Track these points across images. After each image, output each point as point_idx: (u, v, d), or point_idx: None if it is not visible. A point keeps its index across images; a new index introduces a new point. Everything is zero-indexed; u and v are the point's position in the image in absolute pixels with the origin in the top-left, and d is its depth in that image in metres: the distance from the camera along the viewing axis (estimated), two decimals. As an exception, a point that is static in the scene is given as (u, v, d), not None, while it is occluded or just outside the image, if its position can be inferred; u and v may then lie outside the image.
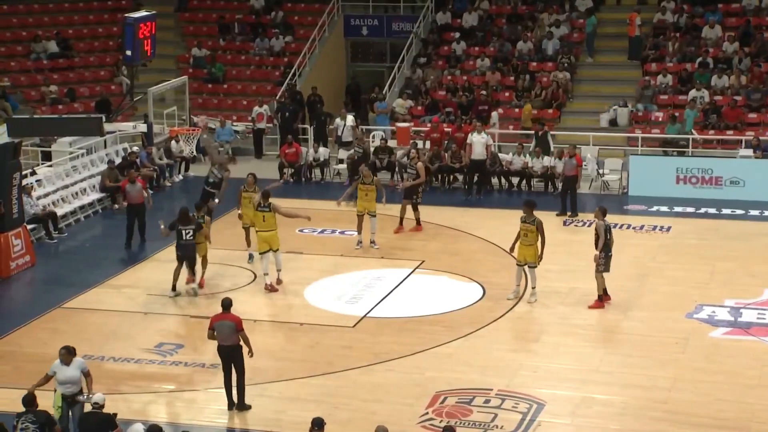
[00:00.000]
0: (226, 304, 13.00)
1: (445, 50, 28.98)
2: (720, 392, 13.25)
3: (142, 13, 21.71)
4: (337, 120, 25.81)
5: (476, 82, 27.38)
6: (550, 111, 26.30)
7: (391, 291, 16.96)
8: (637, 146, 24.21)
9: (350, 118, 25.59)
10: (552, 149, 23.38)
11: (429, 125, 25.26)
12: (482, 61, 28.00)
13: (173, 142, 24.37)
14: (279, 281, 17.21)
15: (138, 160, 22.99)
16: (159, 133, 23.33)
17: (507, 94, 27.20)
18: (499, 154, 23.69)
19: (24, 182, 20.13)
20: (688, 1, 28.28)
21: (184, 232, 16.85)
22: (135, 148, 23.88)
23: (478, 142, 22.61)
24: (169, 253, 19.22)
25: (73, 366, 11.83)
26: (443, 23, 29.80)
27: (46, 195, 20.94)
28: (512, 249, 16.60)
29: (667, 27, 27.86)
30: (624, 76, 27.57)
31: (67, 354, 11.82)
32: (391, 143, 24.91)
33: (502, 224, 20.46)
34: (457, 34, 29.02)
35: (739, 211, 21.08)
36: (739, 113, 24.85)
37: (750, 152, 23.02)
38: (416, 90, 27.60)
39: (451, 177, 23.82)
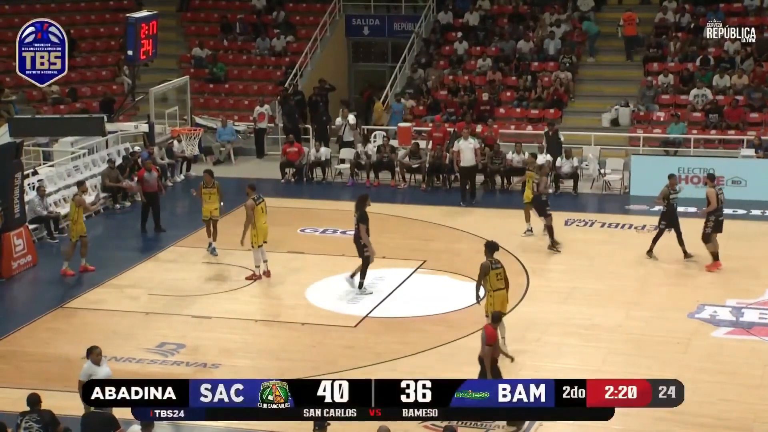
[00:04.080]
0: (495, 316, 12.83)
1: (447, 50, 28.98)
2: (723, 392, 13.24)
3: (144, 13, 21.83)
4: (338, 120, 25.85)
5: (478, 82, 27.39)
6: (552, 111, 26.30)
7: (393, 291, 16.96)
8: (639, 146, 24.23)
9: (351, 118, 25.62)
10: (562, 149, 23.33)
11: (431, 125, 25.25)
12: (484, 61, 28.00)
13: (175, 141, 24.40)
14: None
15: (140, 160, 23.00)
16: (161, 133, 23.42)
17: (509, 93, 27.20)
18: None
19: (37, 184, 20.26)
20: (689, 1, 28.27)
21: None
22: (137, 148, 23.90)
23: (467, 148, 22.45)
24: (170, 252, 19.34)
25: (104, 363, 11.83)
26: (445, 23, 29.80)
27: (48, 195, 20.95)
28: (479, 299, 14.44)
29: (669, 27, 27.86)
30: (626, 75, 27.56)
31: (100, 353, 11.78)
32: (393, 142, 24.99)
33: (503, 224, 20.50)
34: (459, 34, 29.01)
35: (740, 211, 21.05)
36: (740, 113, 24.87)
37: (752, 152, 23.05)
38: (418, 90, 27.60)
39: (452, 177, 23.81)
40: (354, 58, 31.68)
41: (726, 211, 21.14)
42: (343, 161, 24.93)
